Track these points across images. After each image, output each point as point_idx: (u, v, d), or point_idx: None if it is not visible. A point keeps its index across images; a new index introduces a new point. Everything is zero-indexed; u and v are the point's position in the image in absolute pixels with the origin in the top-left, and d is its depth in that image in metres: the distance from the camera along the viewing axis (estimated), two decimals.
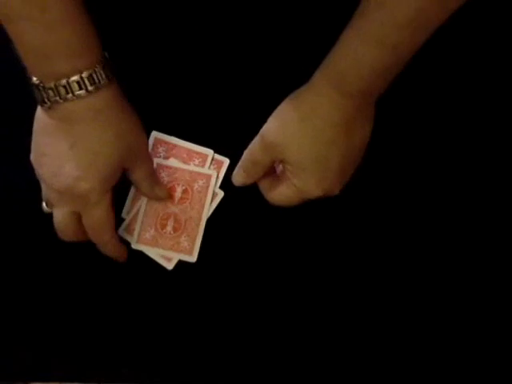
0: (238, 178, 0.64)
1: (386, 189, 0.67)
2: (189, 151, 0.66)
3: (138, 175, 0.61)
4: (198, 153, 0.66)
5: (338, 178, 0.60)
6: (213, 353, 0.64)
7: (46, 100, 0.54)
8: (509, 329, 0.64)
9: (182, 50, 0.70)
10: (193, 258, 0.65)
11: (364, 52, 0.53)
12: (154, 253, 0.65)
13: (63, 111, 0.55)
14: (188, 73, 0.69)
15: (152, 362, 0.63)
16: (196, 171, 0.66)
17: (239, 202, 0.66)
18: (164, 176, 0.66)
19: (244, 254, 0.66)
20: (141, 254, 0.65)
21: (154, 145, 0.66)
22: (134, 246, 0.65)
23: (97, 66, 0.54)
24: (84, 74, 0.53)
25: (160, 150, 0.66)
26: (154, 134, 0.67)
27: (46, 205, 0.61)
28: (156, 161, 0.65)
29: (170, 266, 0.64)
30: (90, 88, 0.54)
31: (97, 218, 0.59)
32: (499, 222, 0.67)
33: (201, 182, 0.66)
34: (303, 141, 0.58)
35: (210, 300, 0.65)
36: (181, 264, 0.65)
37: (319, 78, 0.57)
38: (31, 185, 0.62)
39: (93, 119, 0.55)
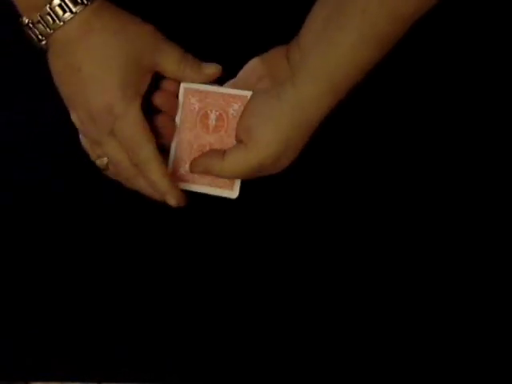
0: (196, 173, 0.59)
1: (385, 189, 0.67)
2: (225, 96, 0.59)
3: (170, 64, 0.58)
4: (235, 96, 0.59)
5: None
6: (213, 353, 0.64)
7: (40, 37, 0.55)
8: (509, 329, 0.65)
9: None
10: (234, 193, 0.59)
11: (361, 49, 0.52)
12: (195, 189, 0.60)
13: (60, 42, 0.55)
14: None
15: (152, 362, 0.63)
16: (230, 93, 0.59)
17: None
18: (194, 102, 0.59)
19: (243, 249, 0.66)
20: (140, 251, 0.65)
21: (184, 97, 0.60)
22: None
23: None
24: (54, 3, 0.53)
25: (193, 101, 0.60)
26: (184, 85, 0.60)
27: (94, 154, 0.60)
28: (184, 85, 0.60)
29: (234, 195, 0.59)
30: (74, 9, 0.54)
31: (129, 132, 0.56)
32: (499, 221, 0.67)
33: (236, 106, 0.58)
34: (296, 150, 0.56)
35: (209, 300, 0.65)
36: (180, 263, 0.65)
37: (312, 75, 0.53)
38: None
39: (89, 35, 0.55)
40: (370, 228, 0.66)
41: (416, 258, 0.66)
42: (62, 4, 0.54)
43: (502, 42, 0.69)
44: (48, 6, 0.54)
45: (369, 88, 0.65)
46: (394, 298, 0.65)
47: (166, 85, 0.61)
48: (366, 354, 0.64)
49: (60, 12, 0.54)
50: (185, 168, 0.60)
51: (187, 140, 0.60)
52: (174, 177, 0.59)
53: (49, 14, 0.54)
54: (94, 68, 0.56)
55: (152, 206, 0.65)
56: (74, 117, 0.59)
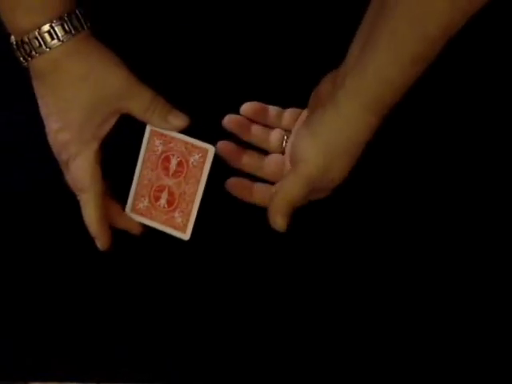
0: (282, 226, 0.60)
1: (385, 189, 0.67)
2: (188, 145, 0.62)
3: (137, 109, 0.59)
4: (197, 147, 0.62)
5: None
6: (213, 353, 0.63)
7: (21, 59, 0.56)
8: (509, 329, 0.64)
9: (180, 41, 0.69)
10: (186, 235, 0.62)
11: (391, 71, 0.53)
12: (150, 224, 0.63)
13: (35, 68, 0.56)
14: (184, 65, 0.69)
15: (152, 362, 0.63)
16: (193, 143, 0.61)
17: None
18: (158, 144, 0.62)
19: (240, 241, 0.66)
20: (140, 251, 0.65)
21: (149, 138, 0.62)
22: (129, 213, 0.63)
23: (54, 21, 0.54)
24: (42, 30, 0.54)
25: (157, 143, 0.62)
26: (150, 126, 0.62)
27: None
28: (151, 127, 0.61)
29: (186, 237, 0.62)
30: (49, 43, 0.54)
31: (77, 170, 0.58)
32: (499, 221, 0.67)
33: (197, 157, 0.61)
34: (340, 164, 0.57)
35: (209, 300, 0.65)
36: (178, 261, 0.65)
37: (349, 97, 0.55)
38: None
39: (57, 70, 0.56)
40: (370, 228, 0.66)
41: (416, 259, 0.66)
42: (38, 38, 0.54)
43: (502, 41, 0.69)
44: (26, 35, 0.54)
45: None
46: (394, 299, 0.65)
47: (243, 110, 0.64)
48: (366, 353, 0.64)
49: (36, 43, 0.54)
50: (144, 203, 0.63)
51: (148, 178, 0.62)
52: (134, 210, 0.63)
53: (27, 43, 0.54)
54: (57, 103, 0.57)
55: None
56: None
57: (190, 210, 0.62)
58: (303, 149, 0.57)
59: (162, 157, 0.62)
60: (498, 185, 0.68)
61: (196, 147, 0.61)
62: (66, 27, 0.55)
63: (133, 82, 0.58)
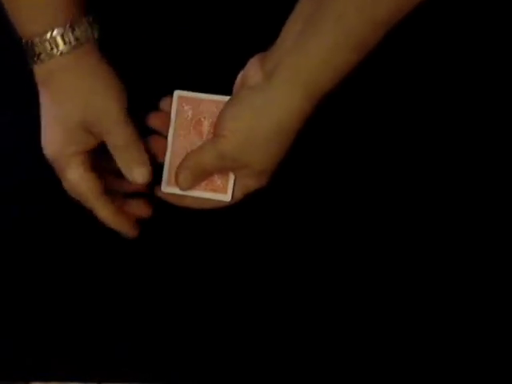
0: (184, 183, 0.60)
1: (385, 190, 0.67)
2: (218, 103, 0.60)
3: (110, 142, 0.58)
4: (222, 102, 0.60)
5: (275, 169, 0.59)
6: (213, 353, 0.64)
7: (30, 60, 0.56)
8: (509, 329, 0.64)
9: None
10: (227, 196, 0.60)
11: (336, 55, 0.51)
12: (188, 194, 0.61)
13: (37, 74, 0.56)
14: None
15: (152, 362, 0.63)
16: (222, 101, 0.59)
17: None
18: (188, 110, 0.61)
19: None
20: (140, 251, 0.65)
21: (178, 105, 0.61)
22: (164, 189, 0.61)
23: (54, 30, 0.54)
24: (44, 37, 0.54)
25: (186, 108, 0.61)
26: (177, 92, 0.61)
27: None
28: (178, 93, 0.61)
29: (227, 198, 0.60)
30: (53, 50, 0.54)
31: (71, 183, 0.58)
32: (499, 221, 0.67)
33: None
34: (264, 149, 0.56)
35: (209, 300, 0.65)
36: (180, 263, 0.65)
37: (284, 81, 0.54)
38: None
39: (48, 83, 0.56)
40: (370, 228, 0.66)
41: (416, 258, 0.66)
42: (64, 35, 0.54)
43: (502, 41, 0.69)
44: (27, 40, 0.54)
45: (367, 88, 0.65)
46: (393, 298, 0.65)
47: (163, 105, 0.62)
48: (366, 353, 0.64)
49: (31, 52, 0.55)
50: None
51: (182, 147, 0.61)
52: (170, 183, 0.61)
53: (48, 41, 0.54)
54: (47, 114, 0.57)
55: (153, 206, 0.66)
56: None
57: (229, 171, 0.60)
58: (224, 126, 0.56)
59: (194, 121, 0.61)
60: (497, 183, 0.68)
61: (220, 102, 0.60)
62: (76, 34, 0.55)
63: (120, 114, 0.57)
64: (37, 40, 0.54)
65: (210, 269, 0.65)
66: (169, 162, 0.61)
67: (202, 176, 0.60)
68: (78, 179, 0.58)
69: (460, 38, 0.68)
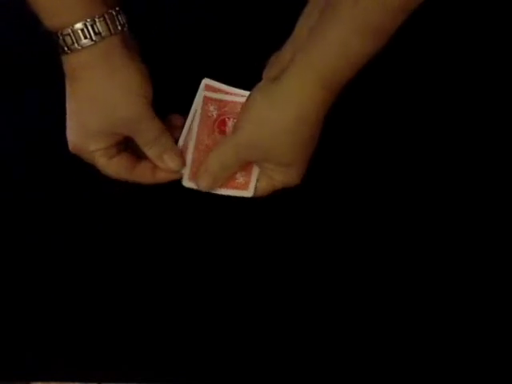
0: (203, 183, 0.60)
1: (385, 190, 0.67)
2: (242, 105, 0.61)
3: (138, 140, 0.59)
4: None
5: (306, 165, 0.59)
6: (213, 353, 0.64)
7: (59, 50, 0.55)
8: (509, 329, 0.64)
9: None
10: (249, 192, 0.61)
11: (353, 42, 0.51)
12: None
13: (67, 64, 0.55)
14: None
15: (152, 362, 0.63)
16: (237, 101, 0.61)
17: None
18: (212, 110, 0.62)
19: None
20: (140, 251, 0.65)
21: (203, 105, 0.62)
22: (185, 183, 0.62)
23: (88, 20, 0.53)
24: (75, 27, 0.53)
25: (211, 108, 0.62)
26: (203, 92, 0.62)
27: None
28: (204, 93, 0.62)
29: (249, 194, 0.61)
30: (74, 45, 0.53)
31: (99, 168, 0.59)
32: (499, 221, 0.67)
33: None
34: (284, 139, 0.56)
35: (210, 300, 0.65)
36: (180, 263, 0.65)
37: (300, 71, 0.54)
38: None
39: (72, 77, 0.55)
40: (370, 229, 0.66)
41: (416, 259, 0.66)
42: (84, 30, 0.53)
43: (502, 41, 0.69)
44: (60, 31, 0.53)
45: (367, 87, 0.65)
46: (393, 298, 0.65)
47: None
48: (366, 354, 0.64)
49: (68, 40, 0.53)
50: None
51: (206, 144, 0.62)
52: (192, 178, 0.62)
53: (68, 35, 0.53)
54: (75, 106, 0.57)
55: (153, 206, 0.66)
56: None
57: (252, 167, 0.61)
58: (240, 118, 0.57)
59: (218, 121, 0.62)
60: (497, 182, 0.67)
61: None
62: (97, 28, 0.53)
63: (145, 115, 0.57)
64: (59, 34, 0.53)
65: (209, 268, 0.65)
66: (191, 158, 0.62)
67: (223, 176, 0.60)
68: (104, 166, 0.59)
69: (461, 39, 0.68)
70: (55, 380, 0.63)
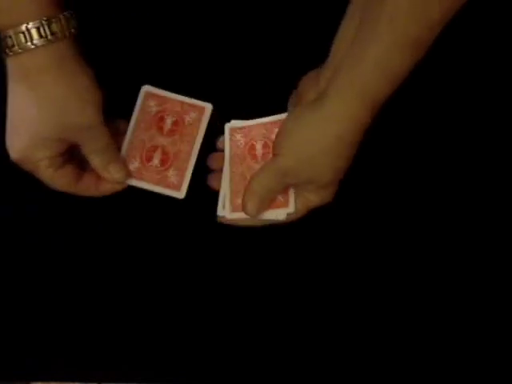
0: (253, 208, 0.59)
1: (385, 191, 0.67)
2: (183, 104, 0.63)
3: (87, 149, 0.57)
4: (194, 106, 0.63)
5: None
6: (213, 353, 0.64)
7: (4, 51, 0.53)
8: (509, 329, 0.64)
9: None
10: (181, 193, 0.62)
11: (392, 58, 0.50)
12: (143, 186, 0.62)
13: (13, 66, 0.54)
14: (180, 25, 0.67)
15: (152, 362, 0.63)
16: (188, 102, 0.62)
17: None
18: (152, 105, 0.62)
19: None
20: (140, 251, 0.65)
21: (143, 100, 0.62)
22: (230, 216, 0.62)
23: (43, 19, 0.52)
24: (18, 29, 0.52)
25: (151, 104, 0.62)
26: (146, 88, 0.62)
27: None
28: (145, 88, 0.62)
29: (181, 195, 0.62)
30: (27, 43, 0.52)
31: (44, 181, 0.57)
32: (499, 222, 0.67)
33: (193, 115, 0.62)
34: (324, 162, 0.55)
35: (210, 300, 0.64)
36: (180, 263, 0.65)
37: (341, 91, 0.53)
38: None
39: (24, 80, 0.54)
40: (370, 230, 0.66)
41: (416, 260, 0.66)
42: (40, 28, 0.52)
43: (502, 43, 0.69)
44: (25, 25, 0.52)
45: None
46: (393, 299, 0.65)
47: (220, 145, 0.63)
48: (366, 354, 0.64)
49: (10, 41, 0.52)
50: (134, 164, 0.62)
51: (141, 139, 0.62)
52: (235, 210, 0.62)
53: (10, 37, 0.52)
54: (17, 113, 0.55)
55: (153, 205, 0.66)
56: None
57: (186, 168, 0.62)
58: (281, 145, 0.57)
59: (157, 117, 0.62)
60: (497, 183, 0.67)
61: (192, 106, 0.62)
62: (52, 28, 0.52)
63: (97, 122, 0.56)
64: (11, 32, 0.52)
65: (209, 269, 0.65)
66: (229, 188, 0.62)
67: (268, 198, 0.60)
68: (49, 178, 0.57)
69: (461, 40, 0.68)
70: (55, 380, 0.63)
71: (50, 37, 0.53)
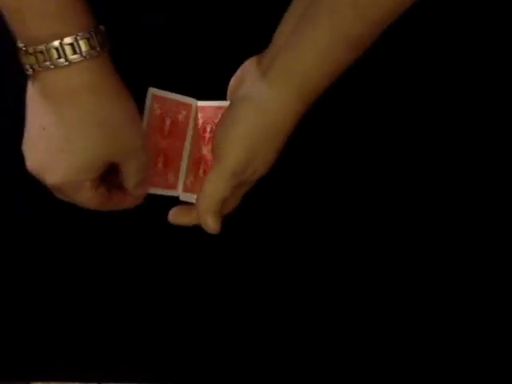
0: (214, 225, 0.56)
1: (385, 190, 0.67)
2: (176, 102, 0.60)
3: (129, 169, 0.54)
4: (182, 103, 0.61)
5: None
6: (213, 353, 0.64)
7: (27, 67, 0.50)
8: (509, 329, 0.64)
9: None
10: (177, 192, 0.60)
11: (329, 51, 0.50)
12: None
13: (42, 82, 0.50)
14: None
15: (152, 362, 0.63)
16: (178, 100, 0.60)
17: None
18: (157, 108, 0.60)
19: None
20: (140, 251, 0.65)
21: (151, 102, 0.60)
22: (182, 197, 0.61)
23: (79, 33, 0.49)
24: (65, 41, 0.48)
25: (155, 107, 0.60)
26: (152, 90, 0.60)
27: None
28: (151, 91, 0.59)
29: (178, 194, 0.60)
30: (70, 57, 0.48)
31: (81, 202, 0.54)
32: (499, 222, 0.67)
33: (184, 113, 0.61)
34: (265, 151, 0.54)
35: (209, 300, 0.65)
36: (180, 263, 0.65)
37: (276, 79, 0.53)
38: None
39: (69, 98, 0.50)
40: (370, 229, 0.66)
41: (416, 259, 0.66)
42: (59, 49, 0.48)
43: (502, 41, 0.69)
44: (44, 45, 0.48)
45: (367, 88, 0.65)
46: (393, 298, 0.65)
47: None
48: (366, 354, 0.64)
49: (55, 54, 0.48)
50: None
51: (152, 144, 0.59)
52: (186, 191, 0.61)
53: (41, 52, 0.48)
54: (55, 137, 0.51)
55: (153, 206, 0.66)
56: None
57: (180, 166, 0.61)
58: (223, 143, 0.55)
59: (160, 119, 0.60)
60: (497, 182, 0.67)
61: (181, 103, 0.61)
62: (92, 42, 0.49)
63: (141, 143, 0.54)
64: (41, 46, 0.48)
65: (209, 269, 0.65)
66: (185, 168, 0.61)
67: (225, 208, 0.57)
68: (88, 199, 0.54)
69: (457, 38, 0.68)
70: (55, 380, 0.63)
71: (84, 53, 0.49)
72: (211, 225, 0.56)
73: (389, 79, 0.67)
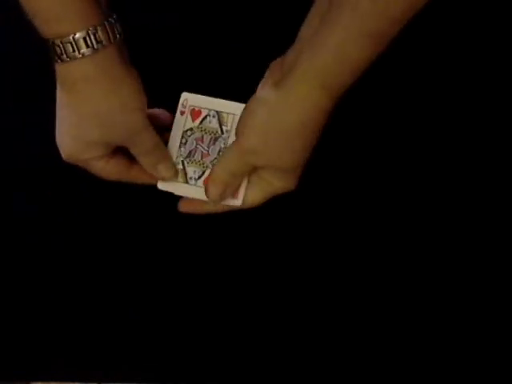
0: (215, 193, 0.59)
1: (385, 190, 0.67)
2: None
3: (135, 151, 0.58)
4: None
5: (302, 171, 0.59)
6: (212, 353, 0.64)
7: (53, 58, 0.54)
8: (509, 329, 0.64)
9: None
10: (238, 201, 0.60)
11: (352, 47, 0.51)
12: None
13: (61, 73, 0.54)
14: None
15: (152, 362, 0.63)
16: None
17: None
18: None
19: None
20: (139, 252, 0.65)
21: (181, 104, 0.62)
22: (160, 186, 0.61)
23: (90, 29, 0.52)
24: (77, 36, 0.52)
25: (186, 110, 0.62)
26: (184, 94, 0.62)
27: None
28: (184, 96, 0.62)
29: (238, 203, 0.60)
30: (75, 53, 0.52)
31: (95, 173, 0.58)
32: (499, 222, 0.67)
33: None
34: (286, 145, 0.56)
35: (209, 300, 0.65)
36: (180, 263, 0.65)
37: (302, 76, 0.53)
38: None
39: (69, 88, 0.54)
40: (370, 229, 0.66)
41: (416, 259, 0.66)
42: (86, 38, 0.52)
43: (502, 41, 0.69)
44: (59, 39, 0.52)
45: (368, 88, 0.65)
46: (393, 298, 0.65)
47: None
48: (366, 354, 0.64)
49: (83, 45, 0.52)
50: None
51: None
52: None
53: (70, 43, 0.52)
54: (65, 119, 0.56)
55: (152, 206, 0.66)
56: None
57: (169, 157, 0.61)
58: (243, 123, 0.57)
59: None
60: (497, 182, 0.67)
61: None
62: (98, 37, 0.53)
63: (142, 127, 0.57)
64: (58, 41, 0.52)
65: (208, 269, 0.65)
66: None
67: (231, 183, 0.59)
68: (101, 170, 0.58)
69: (461, 40, 0.68)
70: (55, 380, 0.63)
71: (96, 46, 0.53)
72: (211, 191, 0.59)
73: (390, 80, 0.67)
